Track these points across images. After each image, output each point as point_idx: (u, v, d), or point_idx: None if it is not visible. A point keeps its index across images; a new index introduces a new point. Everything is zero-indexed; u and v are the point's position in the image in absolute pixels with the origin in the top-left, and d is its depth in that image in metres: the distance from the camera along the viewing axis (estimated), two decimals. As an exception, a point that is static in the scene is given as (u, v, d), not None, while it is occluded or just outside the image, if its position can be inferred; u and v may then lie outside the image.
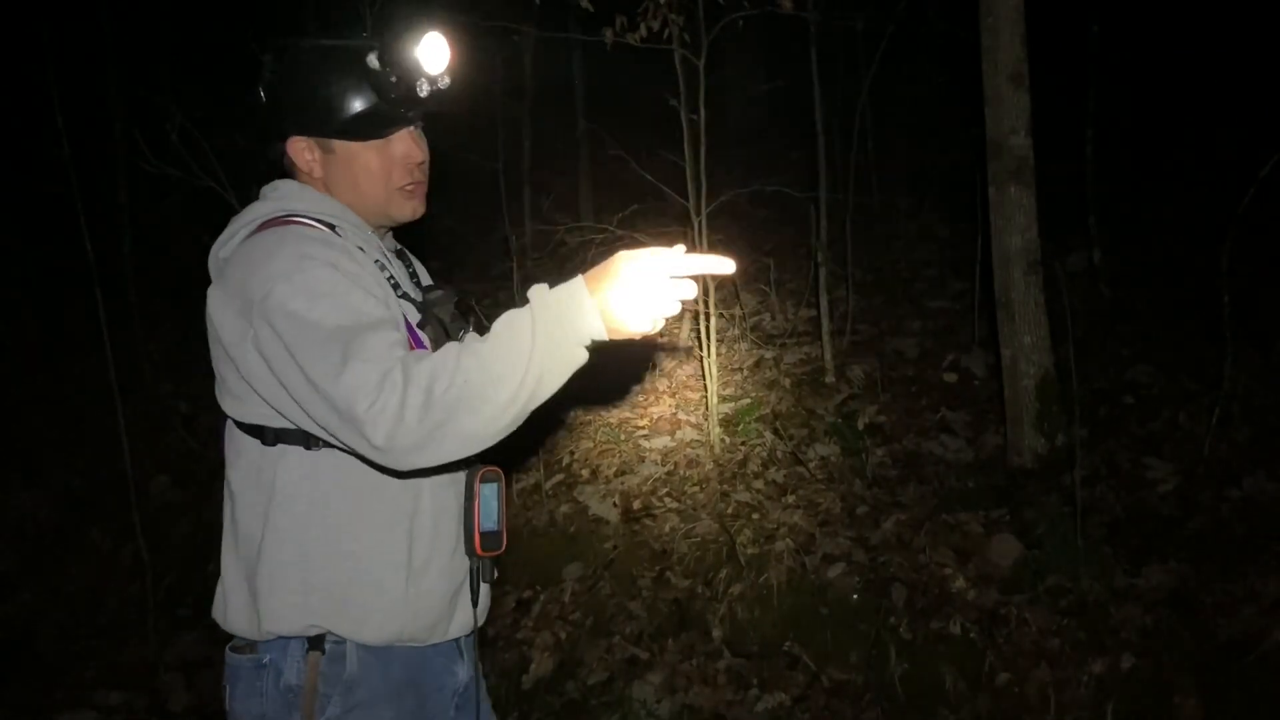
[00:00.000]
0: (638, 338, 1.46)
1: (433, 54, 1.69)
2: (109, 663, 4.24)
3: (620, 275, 1.42)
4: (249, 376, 1.58)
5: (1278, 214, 4.60)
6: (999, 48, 3.88)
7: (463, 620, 1.78)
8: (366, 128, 1.70)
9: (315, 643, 1.63)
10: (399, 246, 1.90)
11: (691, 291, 1.43)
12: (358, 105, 1.67)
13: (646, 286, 1.41)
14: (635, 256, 1.42)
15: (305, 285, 1.52)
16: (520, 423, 1.48)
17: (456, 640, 1.81)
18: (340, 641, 1.64)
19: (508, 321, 1.45)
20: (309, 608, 1.62)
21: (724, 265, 1.43)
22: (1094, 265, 5.42)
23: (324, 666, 1.63)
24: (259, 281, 1.54)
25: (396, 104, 1.69)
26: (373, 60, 1.67)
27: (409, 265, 1.89)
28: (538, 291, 1.46)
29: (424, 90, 1.69)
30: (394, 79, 1.67)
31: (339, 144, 1.71)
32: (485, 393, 1.40)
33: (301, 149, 1.72)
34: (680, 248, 1.43)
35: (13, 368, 6.57)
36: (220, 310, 1.59)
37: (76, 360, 6.20)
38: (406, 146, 1.74)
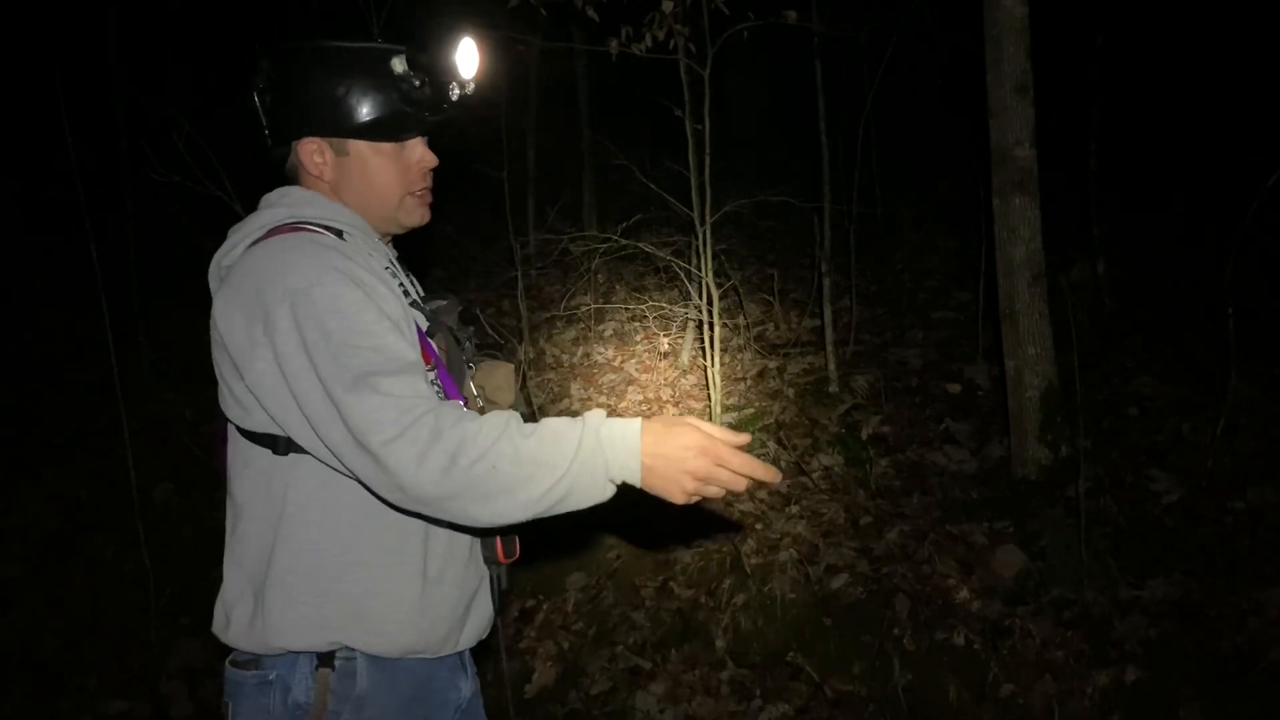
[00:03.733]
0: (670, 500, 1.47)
1: (466, 59, 1.70)
2: (111, 671, 4.23)
3: (680, 444, 1.43)
4: (255, 386, 1.54)
5: (1282, 226, 4.60)
6: (1003, 59, 3.89)
7: (471, 632, 1.77)
8: (388, 130, 1.68)
9: (325, 659, 1.61)
10: (397, 254, 1.87)
11: (730, 487, 1.46)
12: (380, 107, 1.65)
13: (698, 466, 1.43)
14: (703, 433, 1.43)
15: (329, 300, 1.50)
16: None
17: (460, 654, 1.79)
18: (351, 657, 1.62)
19: (555, 431, 1.44)
20: (323, 620, 1.59)
21: (769, 474, 1.46)
22: (1098, 276, 5.42)
23: (334, 683, 1.60)
24: (278, 291, 1.50)
25: (421, 107, 1.68)
26: (398, 64, 1.66)
27: (409, 275, 1.87)
28: (595, 416, 1.46)
29: (455, 94, 1.70)
30: (418, 83, 1.67)
31: (354, 146, 1.68)
32: (509, 485, 1.40)
33: (312, 151, 1.68)
34: (745, 438, 1.46)
35: (17, 374, 6.58)
36: (228, 317, 1.55)
37: (81, 367, 6.21)
38: (422, 151, 1.74)
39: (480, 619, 1.78)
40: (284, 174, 1.74)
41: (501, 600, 1.81)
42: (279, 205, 1.69)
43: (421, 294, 1.85)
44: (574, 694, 3.55)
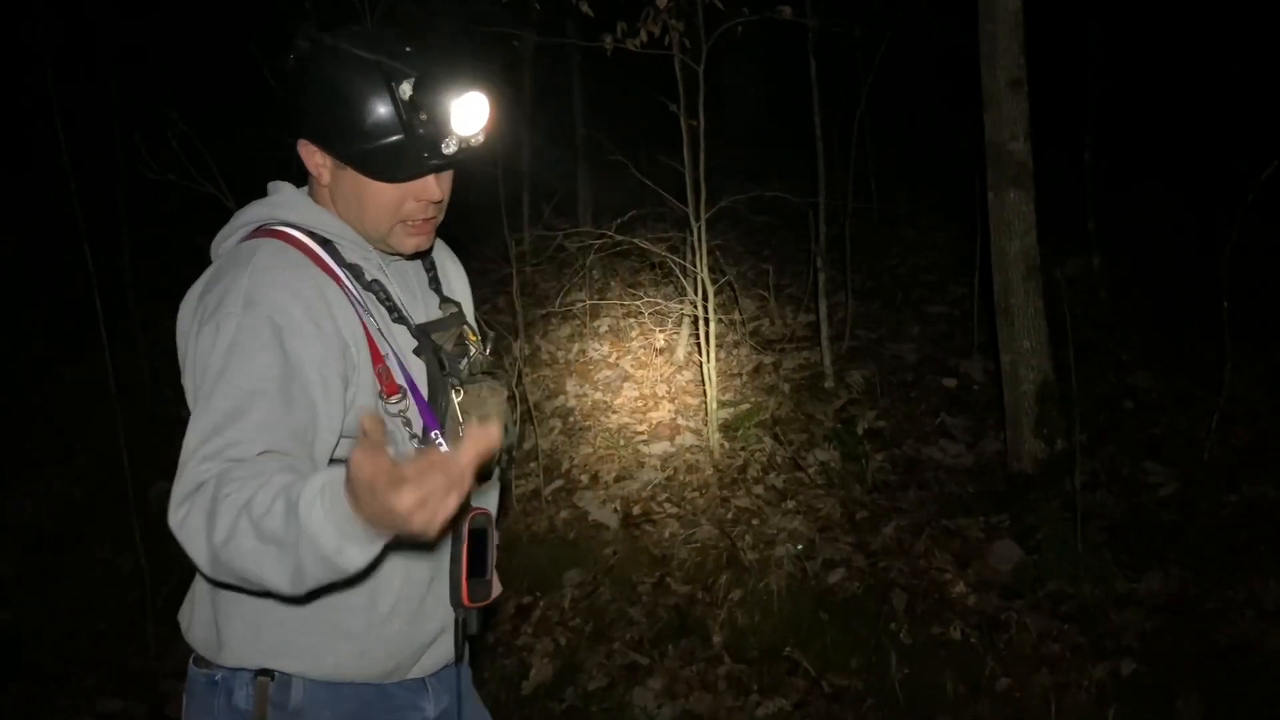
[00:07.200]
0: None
1: (469, 115, 1.54)
2: (108, 670, 4.23)
3: (356, 491, 1.13)
4: (184, 382, 1.51)
5: (1277, 219, 4.60)
6: (998, 53, 3.89)
7: (428, 664, 1.69)
8: (383, 167, 1.55)
9: (265, 669, 1.57)
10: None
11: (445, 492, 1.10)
12: (380, 138, 1.51)
13: (378, 506, 1.11)
14: (352, 465, 1.11)
15: (242, 331, 1.44)
16: None
17: (423, 677, 1.71)
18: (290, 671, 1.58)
19: (286, 508, 1.20)
20: (259, 644, 1.56)
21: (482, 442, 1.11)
22: (1093, 270, 5.42)
23: (273, 693, 1.57)
24: (211, 306, 1.48)
25: (421, 146, 1.52)
26: (406, 89, 1.50)
27: (430, 270, 1.77)
28: (312, 491, 1.19)
29: (451, 148, 1.54)
30: (423, 116, 1.51)
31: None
32: (260, 575, 1.25)
33: (311, 152, 1.59)
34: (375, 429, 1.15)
35: (12, 374, 6.56)
36: (182, 313, 1.55)
37: (76, 367, 6.20)
38: (424, 183, 1.58)
39: (440, 655, 1.70)
40: (300, 163, 1.65)
41: (468, 645, 1.71)
42: (268, 203, 1.64)
43: (442, 292, 1.76)
44: (571, 690, 3.55)
